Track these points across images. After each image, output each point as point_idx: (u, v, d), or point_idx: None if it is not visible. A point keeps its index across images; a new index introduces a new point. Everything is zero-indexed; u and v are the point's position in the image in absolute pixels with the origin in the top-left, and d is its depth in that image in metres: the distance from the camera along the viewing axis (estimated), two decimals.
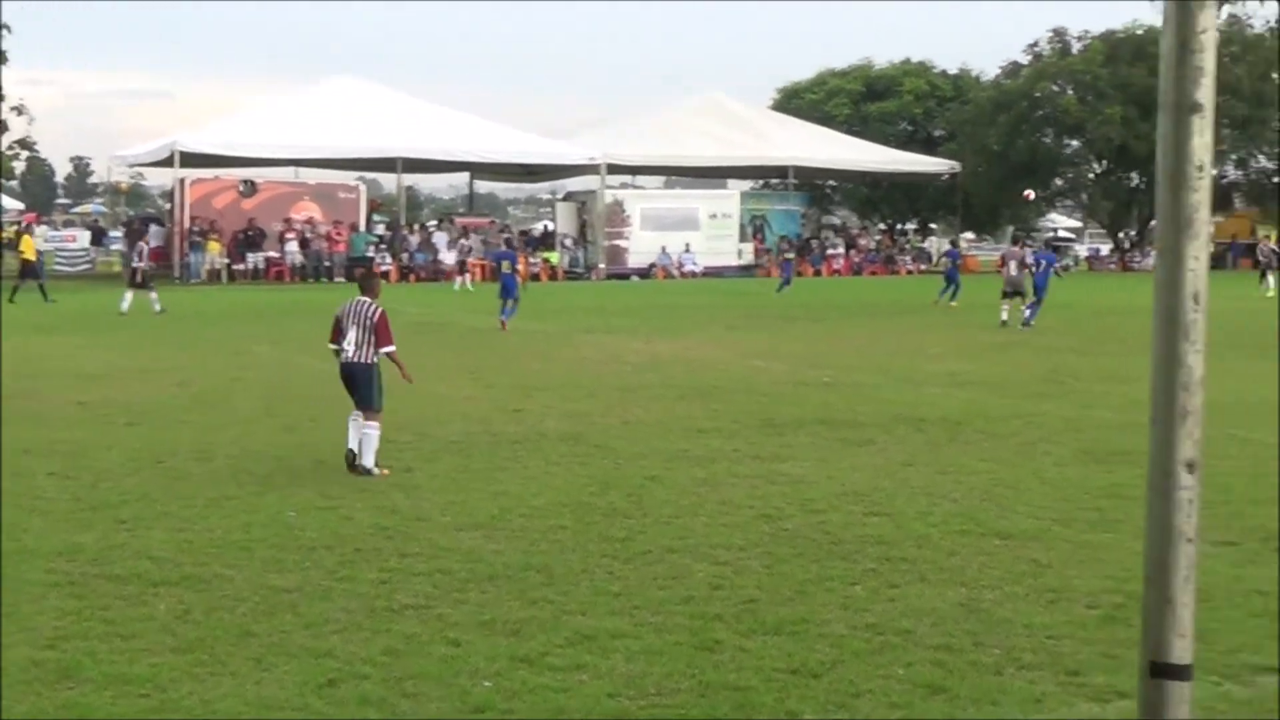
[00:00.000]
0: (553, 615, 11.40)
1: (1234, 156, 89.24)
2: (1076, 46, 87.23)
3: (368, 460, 17.51)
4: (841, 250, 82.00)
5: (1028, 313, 40.72)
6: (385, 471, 17.55)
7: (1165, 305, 4.79)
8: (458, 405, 23.63)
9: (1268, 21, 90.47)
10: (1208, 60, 4.71)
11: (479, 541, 14.00)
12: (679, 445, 19.82)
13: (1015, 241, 61.82)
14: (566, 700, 9.48)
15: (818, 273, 77.13)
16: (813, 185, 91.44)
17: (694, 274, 72.49)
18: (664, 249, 72.94)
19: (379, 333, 17.90)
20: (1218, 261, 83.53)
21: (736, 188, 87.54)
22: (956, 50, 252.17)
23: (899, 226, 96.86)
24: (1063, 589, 12.17)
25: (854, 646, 10.62)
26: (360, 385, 17.84)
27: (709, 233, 74.48)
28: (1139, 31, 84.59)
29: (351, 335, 17.91)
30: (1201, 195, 4.74)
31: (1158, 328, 4.82)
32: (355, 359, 17.89)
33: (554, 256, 72.77)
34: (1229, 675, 10.03)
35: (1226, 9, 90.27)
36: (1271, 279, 56.46)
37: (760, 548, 13.77)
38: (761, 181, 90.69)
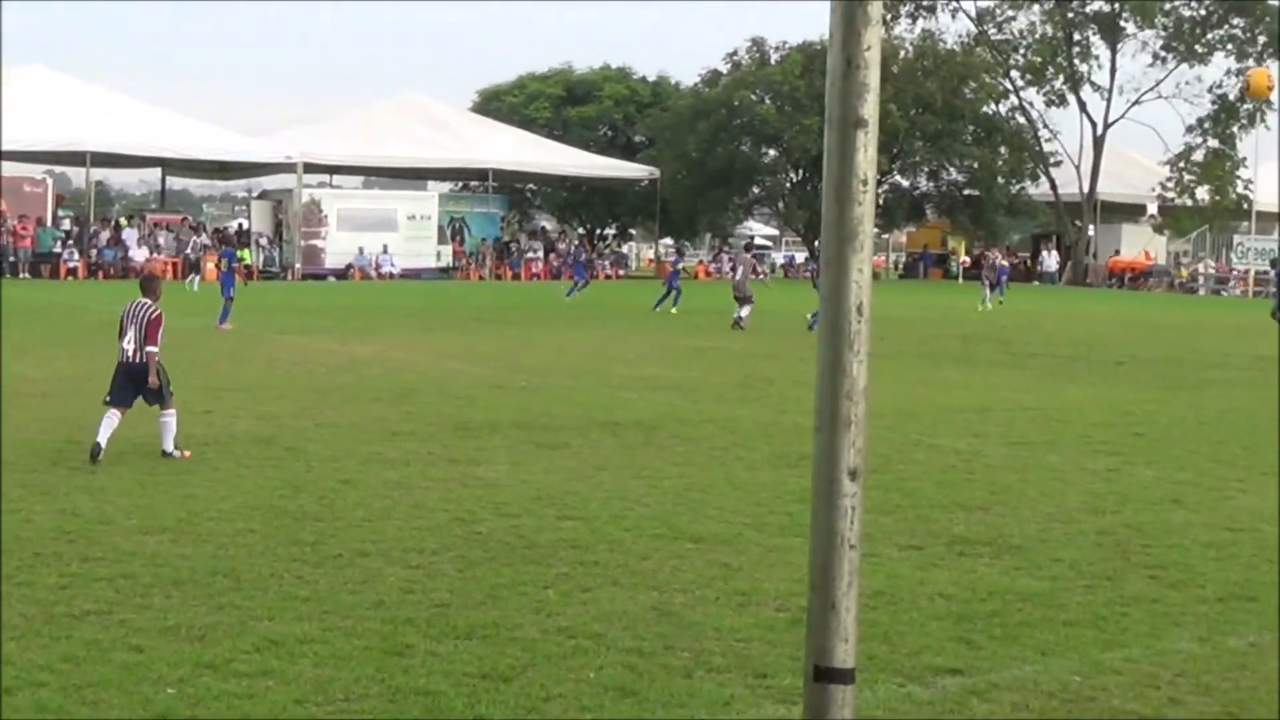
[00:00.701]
0: (239, 620, 11.23)
1: (926, 169, 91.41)
2: (775, 57, 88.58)
3: (168, 445, 18.39)
4: (540, 254, 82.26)
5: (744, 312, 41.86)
6: (186, 454, 18.42)
7: (830, 315, 4.86)
8: (143, 406, 23.14)
9: (959, 37, 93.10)
10: (872, 77, 4.79)
11: (165, 545, 13.72)
12: (373, 448, 19.69)
13: (748, 249, 62.61)
14: (252, 707, 9.35)
15: (516, 276, 77.29)
16: (513, 189, 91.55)
17: (392, 275, 72.03)
18: (361, 250, 72.32)
19: (148, 333, 18.47)
20: (909, 270, 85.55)
21: (436, 189, 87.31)
22: (656, 57, 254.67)
23: (598, 231, 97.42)
24: (753, 592, 12.32)
25: (545, 650, 10.64)
26: (141, 382, 18.47)
27: (407, 234, 74.05)
28: None
29: (130, 334, 18.59)
30: (866, 208, 4.82)
31: (823, 337, 4.89)
32: (135, 359, 18.53)
33: (248, 255, 71.69)
34: (912, 677, 10.25)
35: (920, 25, 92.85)
36: (989, 292, 57.35)
37: (453, 551, 13.72)
38: (461, 184, 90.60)
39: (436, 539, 14.21)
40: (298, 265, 72.04)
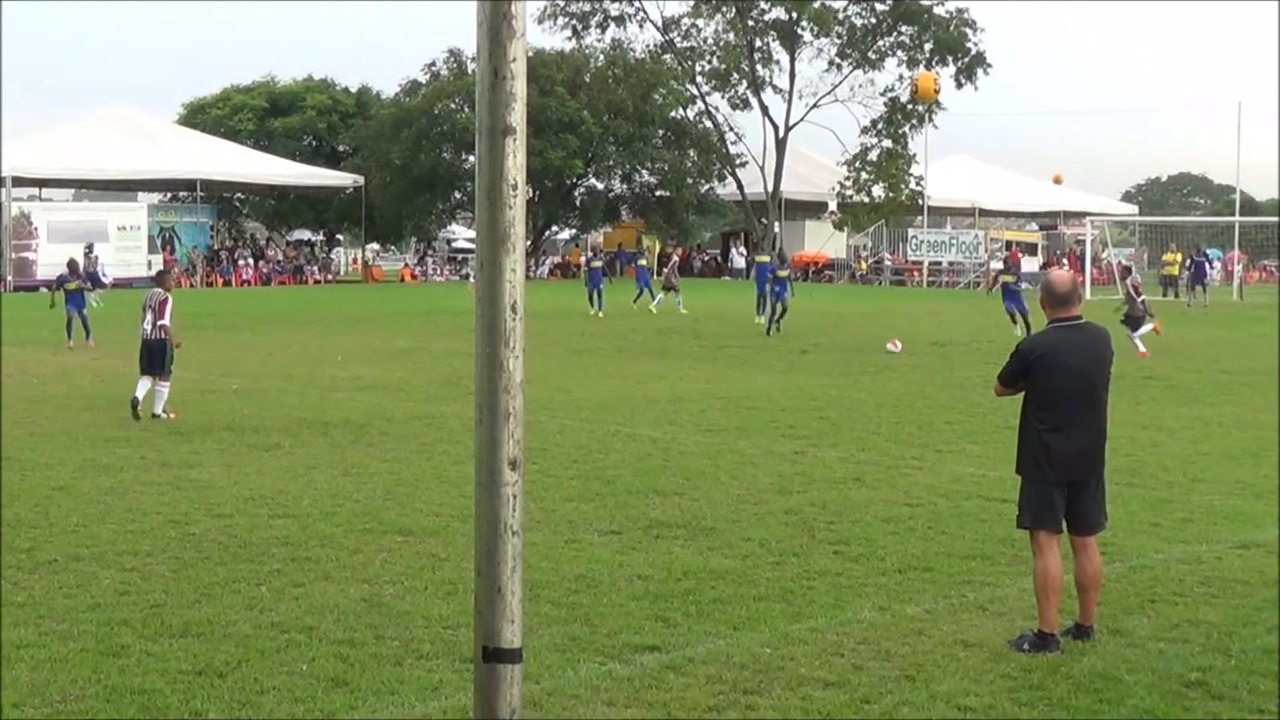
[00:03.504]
0: None
1: (619, 171, 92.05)
2: (472, 67, 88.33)
3: (158, 408, 22.54)
4: (250, 261, 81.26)
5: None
6: (173, 415, 22.55)
7: (487, 314, 4.89)
8: None
9: (647, 46, 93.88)
10: (519, 87, 4.82)
11: None
12: (87, 454, 19.30)
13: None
14: None
15: (227, 283, 76.25)
16: (221, 198, 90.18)
17: (106, 285, 70.45)
18: (71, 261, 70.59)
19: (159, 311, 23.10)
20: (608, 268, 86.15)
21: (145, 200, 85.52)
22: (358, 68, 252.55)
23: (308, 238, 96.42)
24: (460, 581, 12.31)
25: (259, 645, 10.55)
26: (156, 356, 22.83)
27: (118, 244, 72.57)
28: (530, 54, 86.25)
29: (148, 318, 23.13)
30: (516, 211, 4.85)
31: (481, 335, 4.91)
32: (152, 336, 23.03)
33: None
34: (612, 655, 10.36)
35: (610, 35, 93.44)
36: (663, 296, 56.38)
37: (168, 553, 13.54)
38: (170, 194, 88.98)
39: (151, 541, 14.01)
40: (9, 277, 70.23)
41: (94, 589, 12.19)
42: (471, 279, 39.60)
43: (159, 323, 23.04)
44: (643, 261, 63.37)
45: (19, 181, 73.54)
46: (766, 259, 51.06)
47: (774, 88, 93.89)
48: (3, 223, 71.69)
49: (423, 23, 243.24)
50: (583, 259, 63.37)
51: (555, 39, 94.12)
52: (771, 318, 42.34)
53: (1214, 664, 10.23)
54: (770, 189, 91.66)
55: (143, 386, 22.73)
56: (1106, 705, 9.40)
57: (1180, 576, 12.76)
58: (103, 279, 57.44)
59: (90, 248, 62.03)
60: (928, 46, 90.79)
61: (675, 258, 63.20)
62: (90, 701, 9.36)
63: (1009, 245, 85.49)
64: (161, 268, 26.64)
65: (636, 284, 56.67)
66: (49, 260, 69.76)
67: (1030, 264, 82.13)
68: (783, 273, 44.06)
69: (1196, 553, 13.72)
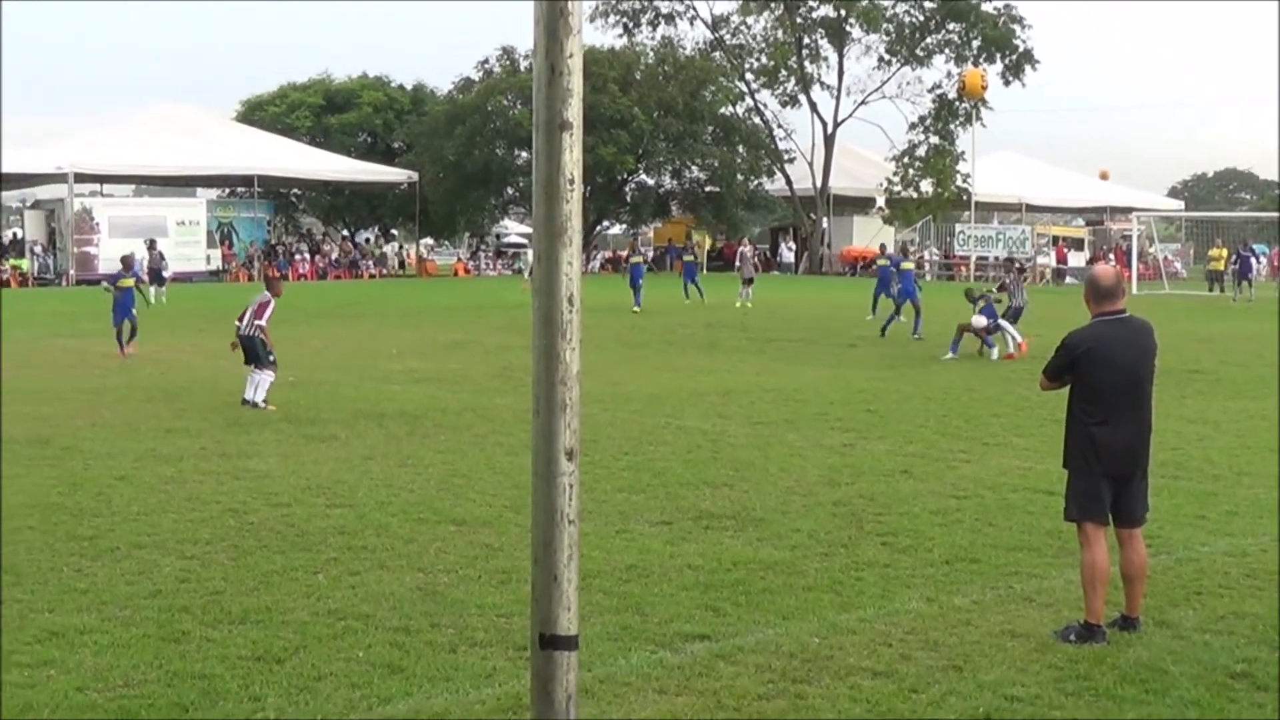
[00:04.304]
0: (20, 614, 11.05)
1: (670, 168, 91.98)
2: (524, 64, 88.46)
3: (259, 397, 23.01)
4: (307, 255, 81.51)
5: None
6: (272, 408, 22.74)
7: (544, 307, 4.89)
8: None
9: (696, 44, 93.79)
10: (575, 82, 4.82)
11: None
12: (147, 445, 19.41)
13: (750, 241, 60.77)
14: (35, 695, 9.22)
15: (284, 277, 76.39)
16: (278, 194, 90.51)
17: (167, 280, 70.74)
18: (135, 256, 71.00)
19: (257, 312, 23.84)
20: (657, 263, 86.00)
21: (204, 196, 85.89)
22: (412, 65, 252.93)
23: (362, 233, 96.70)
24: (513, 570, 12.34)
25: (316, 632, 10.61)
26: (252, 350, 23.50)
27: (177, 239, 72.80)
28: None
29: (246, 316, 23.86)
30: (573, 205, 4.85)
31: (537, 328, 4.91)
32: (245, 332, 23.67)
33: (24, 263, 70.31)
34: (663, 644, 10.37)
35: (660, 32, 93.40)
36: (750, 290, 54.80)
37: (227, 541, 13.61)
38: (228, 190, 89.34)
39: (210, 530, 14.09)
40: (72, 271, 70.64)
41: (155, 576, 12.27)
42: (525, 275, 39.39)
43: (256, 322, 23.68)
44: (689, 258, 62.83)
45: (81, 177, 73.99)
46: (886, 261, 48.69)
47: (822, 84, 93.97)
48: (65, 217, 72.18)
49: (477, 20, 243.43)
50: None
51: (607, 36, 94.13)
52: (892, 317, 39.66)
53: (1259, 655, 10.19)
54: (819, 185, 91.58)
55: (251, 380, 23.38)
56: (1152, 696, 9.37)
57: (1225, 569, 12.70)
58: (164, 274, 57.55)
59: (153, 243, 62.28)
60: (975, 43, 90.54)
61: (748, 251, 62.24)
62: (152, 686, 9.43)
63: (1055, 240, 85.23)
64: (270, 275, 26.85)
65: (683, 280, 56.05)
66: (110, 255, 69.93)
67: (1077, 259, 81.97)
68: (906, 265, 41.98)
69: (1242, 546, 13.66)
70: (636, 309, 47.92)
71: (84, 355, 31.67)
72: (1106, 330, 10.74)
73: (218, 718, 8.89)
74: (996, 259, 79.61)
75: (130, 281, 30.72)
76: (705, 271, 62.66)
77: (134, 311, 29.40)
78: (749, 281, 54.56)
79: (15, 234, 78.65)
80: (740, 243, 71.56)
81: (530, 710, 5.14)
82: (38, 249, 72.45)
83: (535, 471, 4.98)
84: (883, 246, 54.86)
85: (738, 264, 57.86)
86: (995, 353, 32.44)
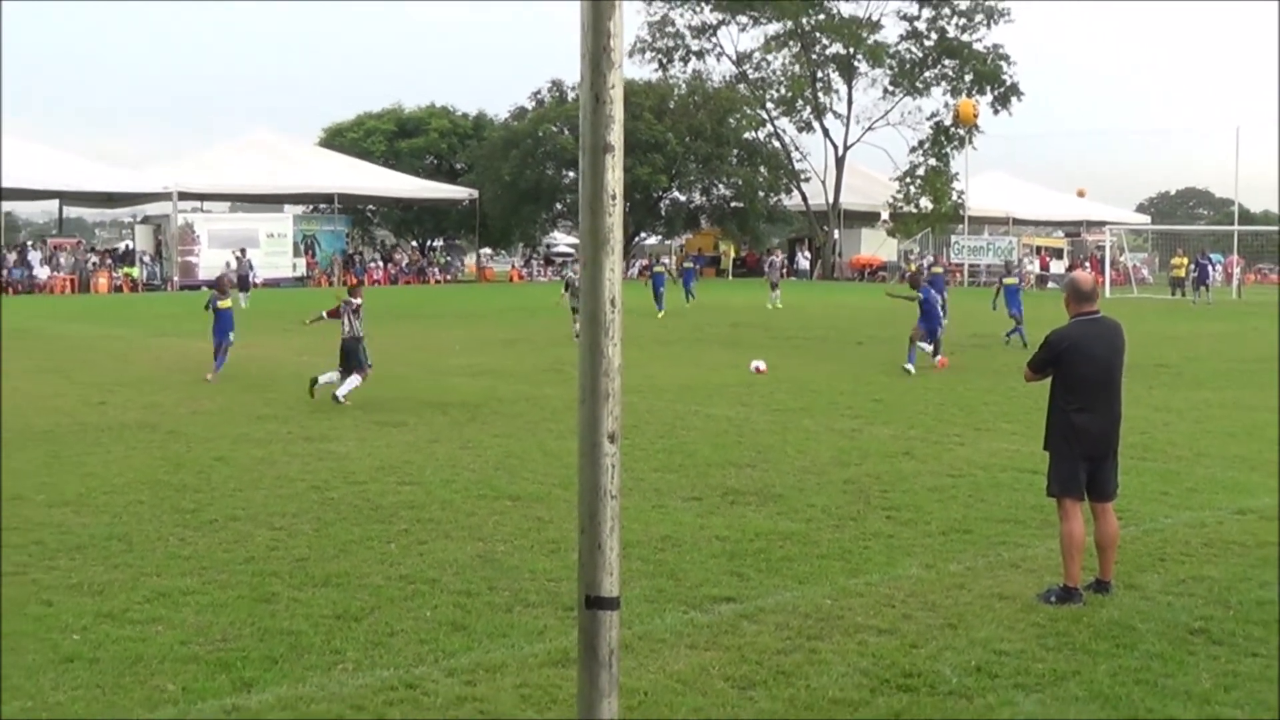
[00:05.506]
0: (132, 577, 11.12)
1: (699, 186, 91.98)
2: (571, 95, 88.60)
3: (342, 391, 22.29)
4: (380, 263, 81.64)
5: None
6: (349, 402, 22.03)
7: (590, 307, 4.91)
8: (48, 400, 22.73)
9: (723, 77, 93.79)
10: (617, 110, 4.81)
11: (68, 516, 13.54)
12: (241, 429, 19.48)
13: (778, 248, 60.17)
14: (144, 648, 9.27)
15: (360, 283, 76.48)
16: (355, 209, 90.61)
17: (255, 285, 70.93)
18: (227, 264, 71.23)
19: (359, 315, 22.99)
20: (675, 272, 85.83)
21: (290, 211, 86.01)
22: (474, 95, 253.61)
23: (429, 243, 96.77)
24: (562, 540, 12.36)
25: (389, 594, 10.64)
26: (351, 354, 22.69)
27: (267, 250, 73.04)
28: None
29: (351, 319, 22.86)
30: (615, 219, 4.85)
31: (584, 326, 4.93)
32: (348, 335, 22.79)
33: (135, 271, 70.74)
34: (694, 605, 10.38)
35: (691, 67, 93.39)
36: (778, 293, 54.57)
37: (310, 514, 13.65)
38: (311, 206, 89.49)
39: (296, 504, 14.13)
40: (176, 278, 70.95)
41: (248, 545, 12.32)
42: (563, 291, 37.66)
43: (359, 325, 23.14)
44: (688, 264, 62.41)
45: (183, 195, 74.36)
46: (940, 270, 44.56)
47: (834, 113, 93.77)
48: (170, 231, 72.63)
49: (530, 56, 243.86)
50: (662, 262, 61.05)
51: (644, 70, 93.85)
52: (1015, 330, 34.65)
53: (1215, 614, 10.16)
54: (831, 201, 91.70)
55: (327, 377, 22.87)
56: (1122, 650, 9.35)
57: (1186, 538, 12.66)
58: (252, 281, 57.63)
59: (243, 251, 62.47)
60: (968, 77, 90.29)
61: (778, 259, 61.75)
62: (246, 641, 9.47)
63: (1038, 250, 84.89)
64: (353, 283, 26.48)
65: (683, 287, 54.63)
66: (209, 263, 70.68)
67: (1057, 266, 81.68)
68: (1010, 280, 36.24)
69: (1200, 518, 13.61)
70: (660, 313, 47.23)
71: (186, 353, 31.78)
72: (1084, 329, 10.73)
73: (303, 668, 8.93)
74: (988, 267, 79.61)
75: (228, 303, 28.10)
76: (731, 278, 62.26)
77: (231, 336, 27.13)
78: (775, 285, 54.31)
79: (127, 245, 78.98)
80: (771, 252, 71.28)
81: (578, 662, 5.16)
82: (146, 258, 72.80)
83: (582, 452, 4.99)
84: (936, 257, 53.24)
85: (767, 270, 57.39)
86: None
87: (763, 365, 27.42)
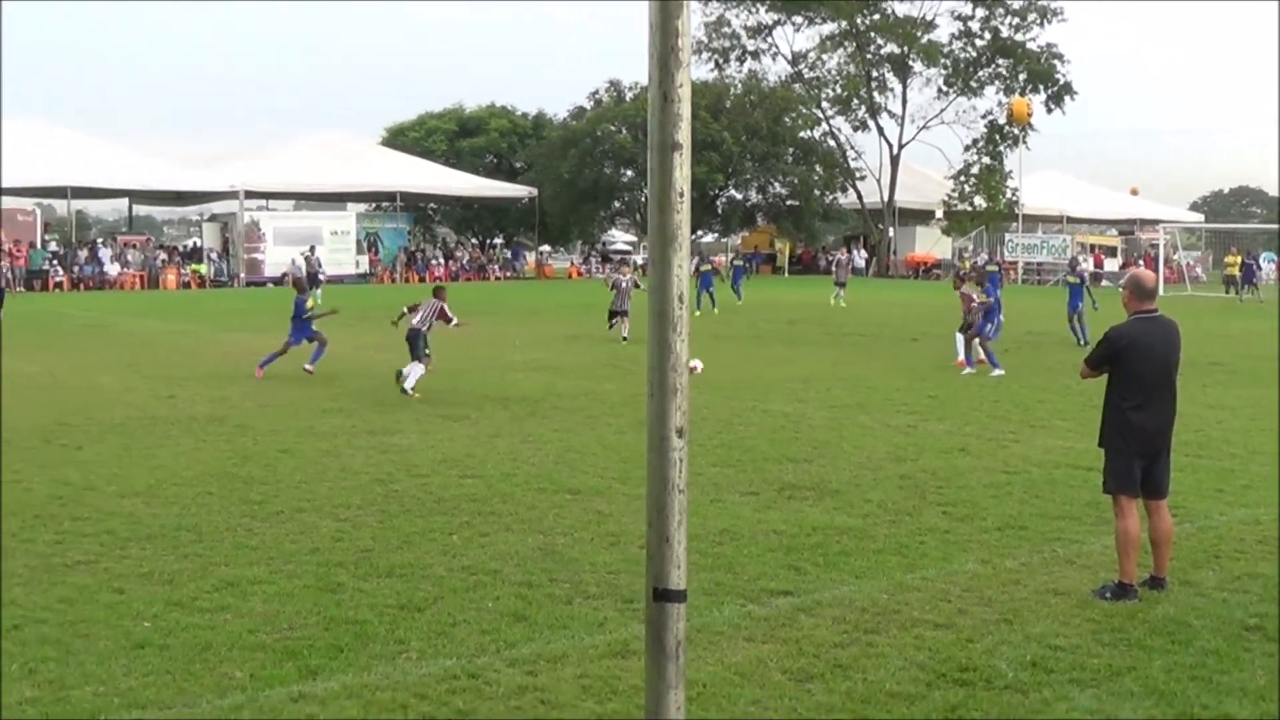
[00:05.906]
0: (201, 566, 11.20)
1: (755, 184, 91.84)
2: (629, 95, 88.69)
3: (409, 384, 22.67)
4: (441, 260, 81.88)
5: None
6: (417, 395, 22.43)
7: (657, 303, 4.88)
8: (119, 394, 22.92)
9: (779, 77, 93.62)
10: (685, 109, 4.80)
11: (139, 506, 13.66)
12: (307, 423, 19.58)
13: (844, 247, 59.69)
14: (213, 636, 9.33)
15: (421, 279, 76.85)
16: (417, 207, 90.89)
17: (322, 282, 71.18)
18: (294, 260, 71.58)
19: (440, 315, 23.58)
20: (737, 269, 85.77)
21: (354, 209, 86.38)
22: (533, 95, 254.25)
23: (489, 241, 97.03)
24: (621, 534, 12.38)
25: (452, 585, 10.67)
26: (411, 345, 23.17)
27: (331, 247, 73.22)
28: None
29: (420, 314, 23.49)
30: (683, 216, 4.83)
31: (652, 322, 4.90)
32: (417, 327, 23.25)
33: (202, 268, 71.24)
34: (751, 599, 10.37)
35: (747, 67, 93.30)
36: (843, 291, 53.59)
37: (375, 506, 13.71)
38: (374, 204, 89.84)
39: (360, 496, 14.20)
40: (242, 275, 71.38)
41: (314, 536, 12.39)
42: (610, 283, 37.14)
43: (436, 321, 23.52)
44: (738, 262, 62.03)
45: (250, 194, 74.76)
46: (995, 268, 43.88)
47: (889, 112, 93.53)
48: (237, 229, 73.10)
49: (589, 56, 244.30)
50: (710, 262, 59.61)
51: (700, 70, 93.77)
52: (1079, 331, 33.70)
53: (1270, 611, 10.07)
54: (886, 199, 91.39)
55: (407, 367, 23.18)
56: (1177, 646, 9.28)
57: (1241, 535, 12.56)
58: (320, 277, 57.82)
59: (312, 249, 62.78)
60: (1022, 76, 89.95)
61: (844, 257, 61.16)
62: (312, 629, 9.52)
63: (1092, 248, 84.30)
64: (437, 283, 26.41)
65: (732, 286, 54.48)
66: (274, 260, 71.18)
67: (1111, 264, 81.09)
68: (1072, 279, 35.21)
69: (1255, 515, 13.49)
70: (699, 311, 46.31)
71: (253, 348, 31.93)
72: (1143, 327, 10.66)
73: (368, 657, 8.97)
74: (1042, 264, 79.18)
75: (313, 303, 27.01)
76: (786, 274, 61.94)
77: (302, 340, 26.60)
78: (842, 284, 53.87)
79: (195, 243, 79.51)
80: (838, 250, 70.93)
81: (645, 654, 5.16)
82: (213, 255, 73.30)
83: (650, 446, 4.97)
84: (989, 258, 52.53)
85: (835, 269, 56.97)
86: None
87: (698, 365, 24.84)
